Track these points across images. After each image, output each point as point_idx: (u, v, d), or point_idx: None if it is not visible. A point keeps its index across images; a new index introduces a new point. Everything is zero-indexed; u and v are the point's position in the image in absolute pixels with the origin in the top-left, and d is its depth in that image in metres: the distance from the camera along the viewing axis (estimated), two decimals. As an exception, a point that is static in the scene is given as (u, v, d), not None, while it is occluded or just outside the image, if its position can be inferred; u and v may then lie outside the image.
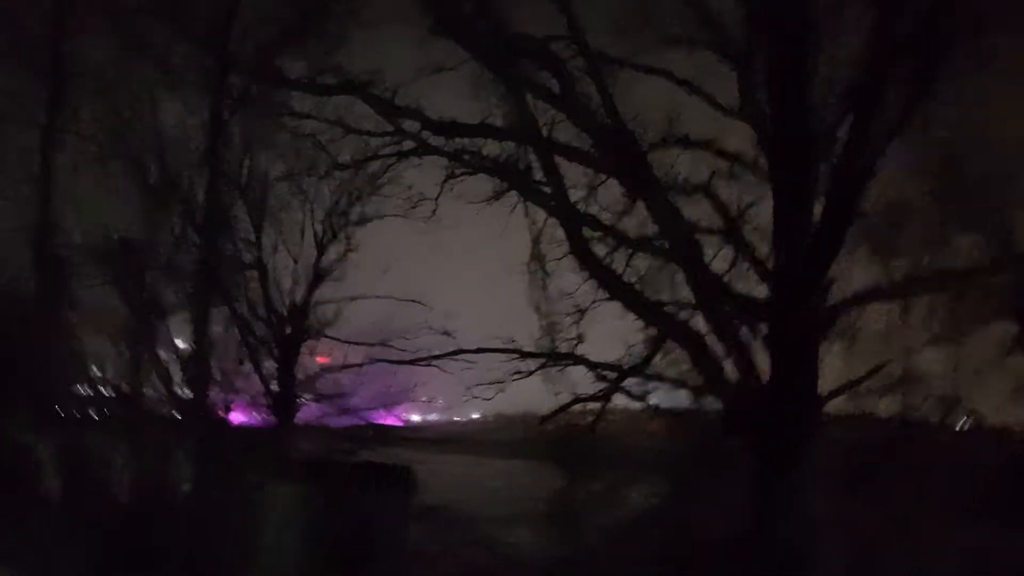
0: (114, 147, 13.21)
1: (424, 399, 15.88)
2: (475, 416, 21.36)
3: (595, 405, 11.66)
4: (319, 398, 15.21)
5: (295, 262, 14.50)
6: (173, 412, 14.07)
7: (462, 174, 12.39)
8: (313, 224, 14.44)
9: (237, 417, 15.37)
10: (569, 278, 11.47)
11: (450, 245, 13.71)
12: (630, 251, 10.74)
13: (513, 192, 12.06)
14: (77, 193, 13.43)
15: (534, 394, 12.47)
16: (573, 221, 10.89)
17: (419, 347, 13.85)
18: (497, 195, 12.29)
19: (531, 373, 12.08)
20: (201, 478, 13.14)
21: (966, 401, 10.88)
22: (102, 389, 13.69)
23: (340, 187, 14.11)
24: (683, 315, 10.51)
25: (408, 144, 11.87)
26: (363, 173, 13.62)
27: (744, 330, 9.84)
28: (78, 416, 13.56)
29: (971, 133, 9.91)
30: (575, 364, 11.37)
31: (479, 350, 11.91)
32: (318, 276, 14.73)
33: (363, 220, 14.37)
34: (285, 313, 14.82)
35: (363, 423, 15.84)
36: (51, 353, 13.27)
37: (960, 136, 9.95)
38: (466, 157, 11.66)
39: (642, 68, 10.12)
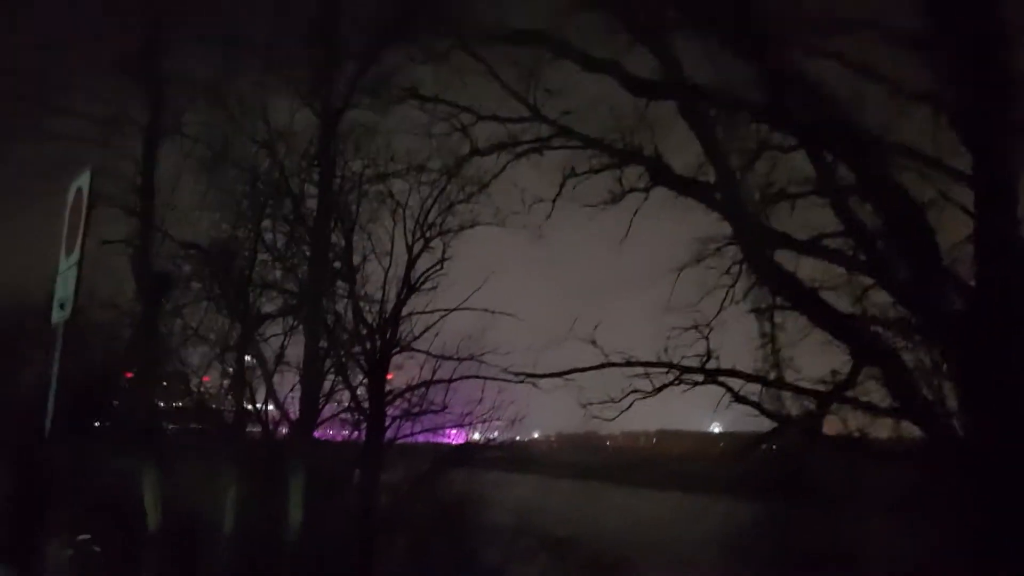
0: (218, 148, 12.57)
1: (513, 418, 15.13)
2: (535, 435, 20.85)
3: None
4: (409, 415, 14.57)
5: (385, 273, 13.79)
6: (270, 428, 13.34)
7: (584, 172, 11.75)
8: (404, 233, 13.76)
9: (323, 433, 14.74)
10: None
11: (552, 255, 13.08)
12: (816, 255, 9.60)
13: (632, 195, 11.50)
14: (180, 199, 12.72)
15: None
16: (745, 221, 9.83)
17: (511, 363, 13.21)
18: (615, 198, 11.69)
19: (658, 391, 10.83)
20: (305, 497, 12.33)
21: None
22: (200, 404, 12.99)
23: (432, 194, 13.55)
24: (876, 330, 9.21)
25: (546, 130, 11.09)
26: (457, 179, 13.16)
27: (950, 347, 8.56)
28: (178, 434, 12.86)
29: None
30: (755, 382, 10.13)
31: (628, 363, 10.69)
32: (409, 287, 14.12)
33: (460, 228, 13.73)
34: (375, 326, 14.21)
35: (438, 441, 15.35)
36: (154, 368, 12.49)
37: None
38: (605, 146, 10.91)
39: (816, 53, 9.34)
